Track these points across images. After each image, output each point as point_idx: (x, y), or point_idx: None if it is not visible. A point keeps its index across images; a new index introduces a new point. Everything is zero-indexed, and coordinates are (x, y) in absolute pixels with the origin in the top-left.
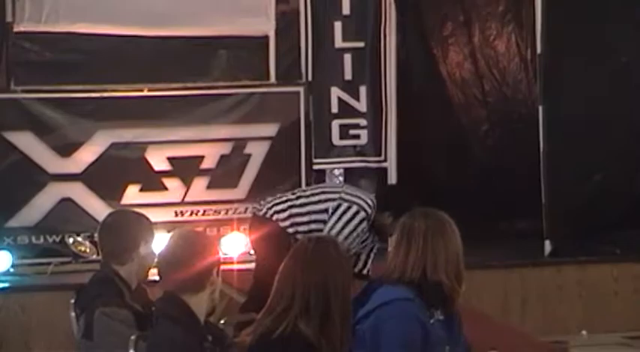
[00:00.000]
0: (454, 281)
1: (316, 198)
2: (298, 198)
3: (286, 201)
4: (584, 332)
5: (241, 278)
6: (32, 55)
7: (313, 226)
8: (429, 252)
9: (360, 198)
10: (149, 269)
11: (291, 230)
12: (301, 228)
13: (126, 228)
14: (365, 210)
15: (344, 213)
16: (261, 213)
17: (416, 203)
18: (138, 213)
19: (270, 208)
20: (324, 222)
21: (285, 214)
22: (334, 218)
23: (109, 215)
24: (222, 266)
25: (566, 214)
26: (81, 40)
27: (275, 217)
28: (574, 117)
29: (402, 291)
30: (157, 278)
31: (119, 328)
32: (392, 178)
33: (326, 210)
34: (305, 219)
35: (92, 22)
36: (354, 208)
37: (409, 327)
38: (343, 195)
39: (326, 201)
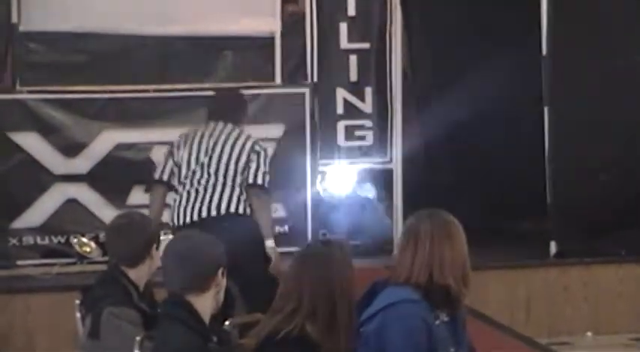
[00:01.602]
0: (460, 284)
1: None
2: None
3: None
4: (589, 334)
5: None
6: (38, 55)
7: None
8: (436, 255)
9: None
10: (155, 270)
11: None
12: None
13: (135, 231)
14: None
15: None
16: None
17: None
18: (145, 215)
19: None
20: None
21: None
22: None
23: (117, 217)
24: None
25: (571, 215)
26: (86, 40)
27: None
28: (579, 117)
29: (407, 293)
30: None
31: (127, 328)
32: (397, 179)
33: None
34: None
35: (98, 22)
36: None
37: (414, 329)
38: None
39: None
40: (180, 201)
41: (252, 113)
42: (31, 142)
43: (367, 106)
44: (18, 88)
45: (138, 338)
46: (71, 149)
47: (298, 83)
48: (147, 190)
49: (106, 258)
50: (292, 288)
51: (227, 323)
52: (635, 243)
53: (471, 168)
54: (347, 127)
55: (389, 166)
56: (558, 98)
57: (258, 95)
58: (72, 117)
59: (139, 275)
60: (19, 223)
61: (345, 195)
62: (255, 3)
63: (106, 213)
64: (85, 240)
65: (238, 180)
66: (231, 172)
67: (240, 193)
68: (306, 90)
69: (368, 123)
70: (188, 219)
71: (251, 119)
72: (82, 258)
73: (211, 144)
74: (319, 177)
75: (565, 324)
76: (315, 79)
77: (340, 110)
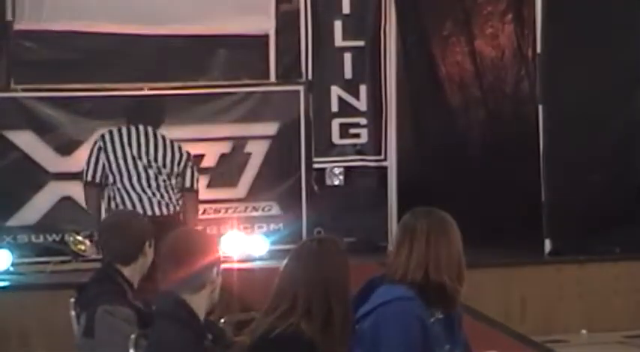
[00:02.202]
0: (456, 282)
1: None
2: None
3: None
4: (584, 331)
5: (241, 277)
6: (32, 53)
7: None
8: (432, 252)
9: None
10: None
11: None
12: None
13: (130, 229)
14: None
15: None
16: None
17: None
18: (138, 213)
19: None
20: None
21: None
22: None
23: (111, 215)
24: (222, 265)
25: (566, 213)
26: (81, 38)
27: None
28: (574, 116)
29: (402, 290)
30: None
31: (122, 326)
32: (392, 177)
33: None
34: None
35: (92, 20)
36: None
37: (409, 326)
38: None
39: None
40: (115, 201)
41: (246, 111)
42: (25, 140)
43: (362, 104)
44: (12, 86)
45: (133, 336)
46: (66, 147)
47: (293, 81)
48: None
49: (100, 256)
50: (287, 287)
51: (222, 321)
52: (630, 241)
53: (466, 166)
54: (341, 125)
55: (383, 164)
56: (552, 96)
57: (253, 93)
58: (66, 116)
59: (133, 273)
60: (14, 221)
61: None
62: (249, 1)
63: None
64: (79, 238)
65: (173, 181)
66: (164, 175)
67: (173, 194)
68: (301, 88)
69: (362, 120)
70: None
71: (246, 117)
72: (76, 256)
73: (143, 146)
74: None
75: (560, 322)
76: (310, 77)
77: (335, 108)
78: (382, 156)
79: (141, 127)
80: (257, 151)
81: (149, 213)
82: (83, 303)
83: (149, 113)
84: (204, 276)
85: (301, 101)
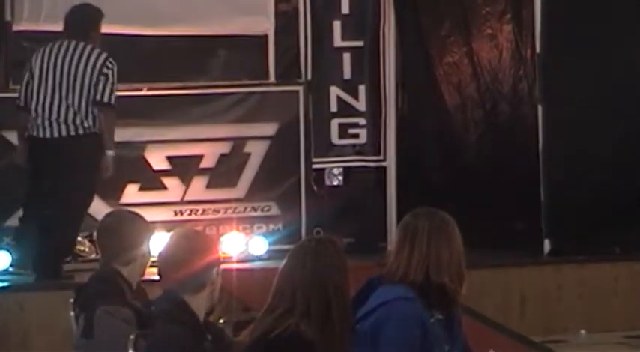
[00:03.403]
0: (456, 282)
1: None
2: None
3: None
4: (583, 332)
5: (240, 277)
6: (31, 54)
7: None
8: (433, 253)
9: None
10: (146, 268)
11: None
12: None
13: (126, 229)
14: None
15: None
16: None
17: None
18: (135, 213)
19: None
20: None
21: None
22: None
23: (107, 216)
24: (222, 266)
25: (565, 213)
26: None
27: None
28: (573, 116)
29: (402, 291)
30: (156, 277)
31: (121, 327)
32: (391, 177)
33: None
34: None
35: None
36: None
37: (409, 327)
38: None
39: None
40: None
41: (246, 111)
42: None
43: (361, 104)
44: (11, 86)
45: (132, 337)
46: None
47: (292, 81)
48: (141, 188)
49: (99, 257)
50: (286, 287)
51: (221, 321)
52: (630, 241)
53: (465, 167)
54: (341, 125)
55: (383, 164)
56: (551, 97)
57: (252, 93)
58: None
59: (131, 273)
60: (14, 221)
61: None
62: (248, 1)
63: (100, 211)
64: (78, 238)
65: (84, 95)
66: (77, 89)
67: (86, 109)
68: (300, 89)
69: (362, 121)
70: (39, 134)
71: (245, 117)
72: (75, 256)
73: (59, 60)
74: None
75: (559, 322)
76: (309, 77)
77: (334, 108)
78: (381, 157)
79: (70, 42)
80: (256, 151)
81: (55, 133)
82: (82, 304)
83: (78, 24)
84: (205, 277)
85: (300, 101)
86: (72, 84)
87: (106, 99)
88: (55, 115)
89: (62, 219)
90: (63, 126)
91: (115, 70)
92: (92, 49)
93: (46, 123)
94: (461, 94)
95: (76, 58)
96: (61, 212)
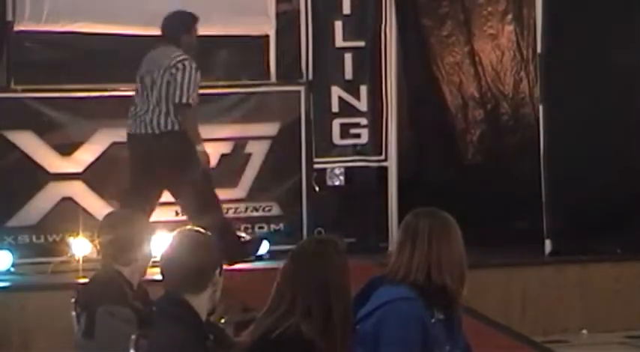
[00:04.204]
0: (457, 282)
1: None
2: None
3: None
4: (584, 332)
5: (241, 277)
6: (33, 54)
7: None
8: (434, 253)
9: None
10: (147, 268)
11: None
12: None
13: (127, 229)
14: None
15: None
16: None
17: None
18: (136, 213)
19: None
20: None
21: None
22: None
23: (108, 215)
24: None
25: (566, 213)
26: (81, 39)
27: None
28: (574, 116)
29: (403, 291)
30: (156, 277)
31: (123, 327)
32: (392, 177)
33: None
34: None
35: (93, 21)
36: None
37: (410, 327)
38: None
39: None
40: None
41: (247, 111)
42: (26, 141)
43: (362, 104)
44: (13, 86)
45: (133, 337)
46: (66, 147)
47: (293, 81)
48: None
49: (100, 257)
50: (286, 288)
51: (222, 321)
52: (631, 242)
53: (466, 167)
54: (342, 125)
55: (384, 164)
56: (553, 96)
57: (254, 93)
58: (67, 116)
59: (132, 273)
60: (15, 221)
61: None
62: (249, 2)
63: (102, 211)
64: (80, 238)
65: (162, 96)
66: (155, 90)
67: (161, 109)
68: (301, 89)
69: (363, 121)
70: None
71: (246, 117)
72: (77, 256)
73: (150, 64)
74: None
75: (560, 322)
76: (310, 77)
77: (335, 108)
78: (383, 157)
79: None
80: (257, 151)
81: (144, 130)
82: (83, 304)
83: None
84: (207, 277)
85: (302, 101)
86: (150, 86)
87: (177, 100)
88: (142, 116)
89: (194, 212)
90: (149, 126)
91: (188, 70)
92: (174, 53)
93: (138, 121)
94: (462, 94)
95: (159, 61)
96: (190, 204)
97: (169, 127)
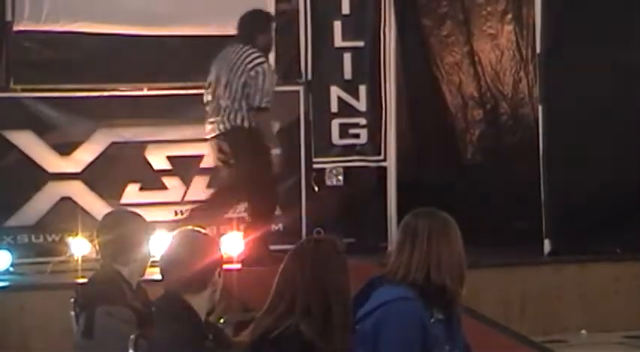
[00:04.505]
0: (457, 283)
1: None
2: None
3: None
4: (583, 332)
5: (241, 277)
6: (32, 54)
7: None
8: (434, 253)
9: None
10: (146, 268)
11: None
12: None
13: (126, 229)
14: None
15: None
16: None
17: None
18: (135, 213)
19: None
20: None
21: None
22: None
23: (107, 215)
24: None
25: (565, 213)
26: (81, 39)
27: None
28: (574, 116)
29: (403, 291)
30: (156, 277)
31: (122, 327)
32: (391, 177)
33: None
34: None
35: (92, 21)
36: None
37: (409, 327)
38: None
39: None
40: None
41: None
42: (25, 141)
43: (361, 104)
44: (12, 86)
45: (132, 337)
46: (65, 147)
47: (292, 81)
48: (141, 188)
49: (99, 257)
50: (285, 287)
51: (222, 321)
52: (630, 241)
53: (465, 167)
54: (341, 125)
55: (383, 164)
56: (551, 97)
57: None
58: (66, 116)
59: (131, 273)
60: (14, 221)
61: None
62: (248, 2)
63: (101, 211)
64: (79, 238)
65: (234, 95)
66: (228, 89)
67: (234, 107)
68: (301, 89)
69: (362, 121)
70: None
71: None
72: (76, 256)
73: (224, 62)
74: None
75: (560, 322)
76: (309, 77)
77: (334, 108)
78: (382, 157)
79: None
80: None
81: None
82: (82, 304)
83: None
84: (206, 277)
85: (301, 101)
86: (225, 85)
87: (256, 104)
88: (216, 113)
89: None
90: (221, 124)
91: (267, 73)
92: (250, 53)
93: (211, 119)
94: (461, 94)
95: (234, 60)
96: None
97: (238, 123)
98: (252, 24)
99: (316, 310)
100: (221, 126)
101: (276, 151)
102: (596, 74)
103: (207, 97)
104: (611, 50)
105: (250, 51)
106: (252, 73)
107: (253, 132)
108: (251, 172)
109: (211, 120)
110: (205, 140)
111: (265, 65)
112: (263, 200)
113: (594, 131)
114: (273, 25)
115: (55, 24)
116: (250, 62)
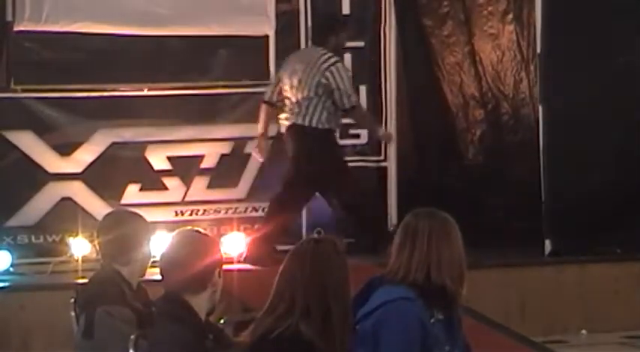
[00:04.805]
0: (457, 283)
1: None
2: None
3: None
4: (584, 332)
5: (241, 277)
6: (32, 54)
7: None
8: (433, 253)
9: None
10: (147, 268)
11: None
12: None
13: (126, 229)
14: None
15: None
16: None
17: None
18: (134, 213)
19: None
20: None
21: None
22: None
23: (107, 216)
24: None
25: (566, 213)
26: (81, 39)
27: None
28: (574, 116)
29: (403, 291)
30: (156, 277)
31: (122, 327)
32: (392, 178)
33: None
34: None
35: (92, 21)
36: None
37: (409, 327)
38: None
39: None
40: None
41: (246, 111)
42: (25, 141)
43: (362, 104)
44: (12, 86)
45: (132, 337)
46: (66, 148)
47: None
48: (141, 189)
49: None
50: (285, 287)
51: (222, 321)
52: (631, 242)
53: (465, 167)
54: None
55: (383, 164)
56: (552, 96)
57: (253, 94)
58: (67, 116)
59: (131, 273)
60: (14, 221)
61: None
62: (249, 2)
63: (101, 211)
64: (79, 238)
65: (307, 94)
66: (300, 87)
67: (307, 106)
68: None
69: None
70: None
71: (246, 117)
72: (76, 256)
73: (297, 64)
74: None
75: (560, 322)
76: None
77: None
78: (382, 157)
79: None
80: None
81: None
82: (82, 304)
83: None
84: (206, 278)
85: None
86: (297, 85)
87: (347, 107)
88: (288, 110)
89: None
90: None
91: (344, 73)
92: (322, 53)
93: (284, 115)
94: (462, 94)
95: (307, 60)
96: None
97: (314, 125)
98: (324, 27)
99: (316, 310)
100: (290, 123)
101: (380, 132)
102: (596, 74)
103: (274, 96)
104: (612, 50)
105: (320, 50)
106: (327, 73)
107: (321, 135)
108: (313, 174)
109: (284, 116)
110: (206, 140)
111: (339, 64)
112: (288, 203)
113: (594, 131)
114: (345, 27)
115: (55, 24)
116: (324, 61)
